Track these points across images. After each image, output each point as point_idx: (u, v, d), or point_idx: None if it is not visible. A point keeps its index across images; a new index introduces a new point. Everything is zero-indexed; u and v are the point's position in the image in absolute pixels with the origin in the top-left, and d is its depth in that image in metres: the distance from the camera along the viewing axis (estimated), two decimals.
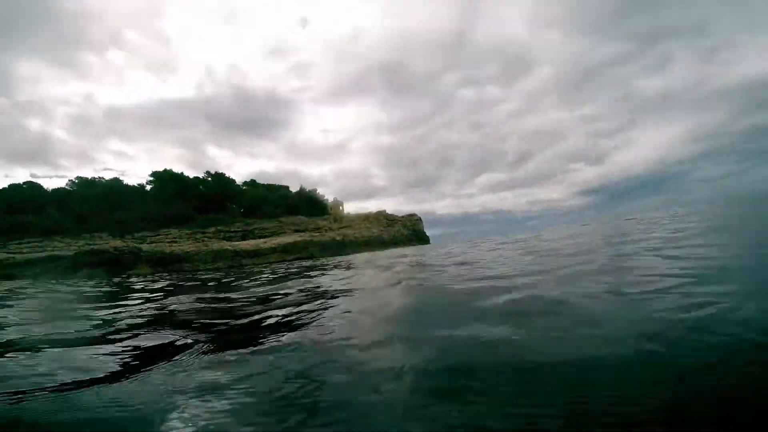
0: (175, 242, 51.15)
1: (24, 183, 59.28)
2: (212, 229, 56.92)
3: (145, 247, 44.45)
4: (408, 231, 68.86)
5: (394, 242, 60.95)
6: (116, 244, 43.12)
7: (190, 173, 68.76)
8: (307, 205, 68.71)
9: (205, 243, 50.64)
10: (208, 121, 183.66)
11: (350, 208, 79.74)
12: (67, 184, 60.67)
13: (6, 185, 58.13)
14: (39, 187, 59.09)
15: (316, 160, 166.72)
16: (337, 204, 71.00)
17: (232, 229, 58.16)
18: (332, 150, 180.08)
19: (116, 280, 19.54)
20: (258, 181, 73.05)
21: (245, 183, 71.29)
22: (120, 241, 45.41)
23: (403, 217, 73.84)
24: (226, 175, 69.56)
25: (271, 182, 74.71)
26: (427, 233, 74.99)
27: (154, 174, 65.36)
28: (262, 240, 52.56)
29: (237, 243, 51.21)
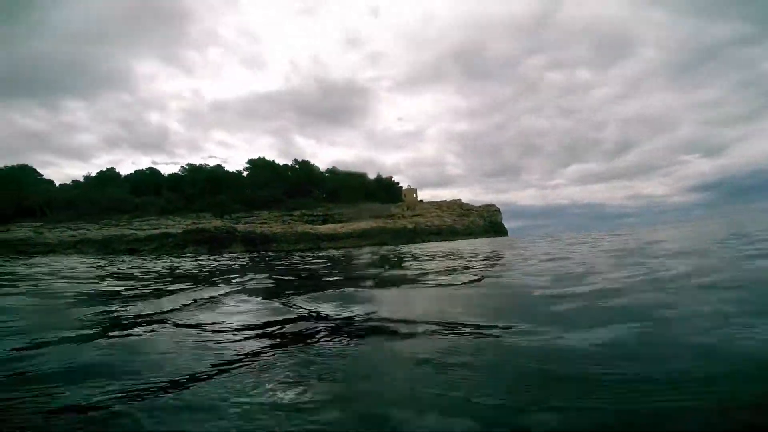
0: (266, 223, 56.48)
1: (146, 169, 70.24)
2: (298, 213, 61.63)
3: (240, 227, 49.85)
4: (485, 222, 67.17)
5: (468, 233, 59.95)
6: (216, 223, 49.00)
7: (281, 161, 75.32)
8: (384, 191, 70.99)
9: (291, 225, 55.07)
10: (295, 112, 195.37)
11: (424, 195, 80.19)
12: (179, 170, 69.82)
13: (133, 171, 69.50)
14: (158, 172, 69.34)
15: (393, 147, 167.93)
16: (411, 191, 71.43)
17: (315, 213, 62.41)
18: (408, 138, 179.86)
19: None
20: (338, 168, 77.04)
21: (327, 170, 75.60)
22: (220, 221, 51.53)
23: (480, 207, 71.77)
24: (311, 162, 75.27)
25: (349, 170, 78.30)
26: (506, 225, 72.29)
27: (250, 161, 72.50)
28: (339, 225, 55.70)
29: (318, 227, 54.96)
